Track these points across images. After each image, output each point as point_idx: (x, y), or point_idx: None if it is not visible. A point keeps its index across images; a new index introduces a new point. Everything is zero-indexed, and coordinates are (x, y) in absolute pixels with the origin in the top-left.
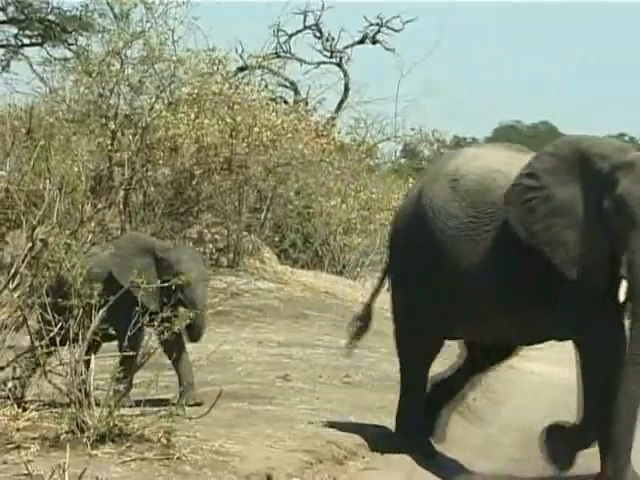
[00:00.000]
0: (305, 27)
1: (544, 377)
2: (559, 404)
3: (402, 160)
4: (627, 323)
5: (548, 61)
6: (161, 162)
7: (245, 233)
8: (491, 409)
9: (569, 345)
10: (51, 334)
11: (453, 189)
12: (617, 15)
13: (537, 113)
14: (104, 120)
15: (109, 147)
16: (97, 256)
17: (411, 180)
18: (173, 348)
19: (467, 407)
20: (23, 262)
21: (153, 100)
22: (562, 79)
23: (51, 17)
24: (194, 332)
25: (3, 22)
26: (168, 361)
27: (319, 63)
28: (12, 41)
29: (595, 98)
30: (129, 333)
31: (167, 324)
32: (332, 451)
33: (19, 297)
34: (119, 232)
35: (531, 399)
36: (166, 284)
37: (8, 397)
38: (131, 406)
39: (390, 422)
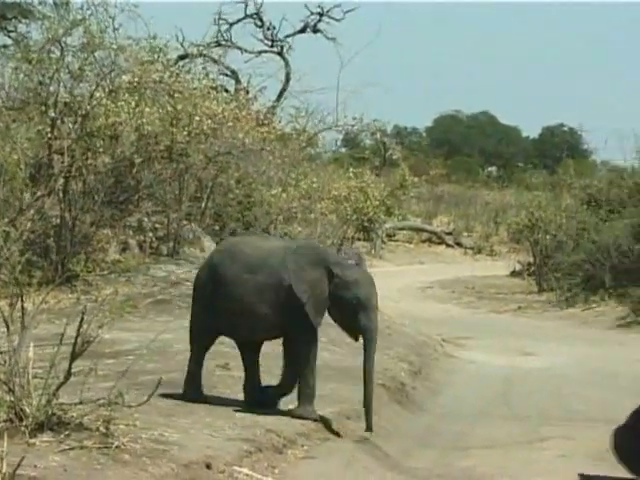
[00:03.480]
0: (246, 16)
1: (483, 366)
2: (498, 393)
3: (343, 149)
4: None
5: (487, 54)
6: (101, 150)
7: (185, 222)
8: (430, 398)
9: (508, 335)
10: None
11: None
12: (554, 11)
13: (477, 103)
14: (44, 108)
15: (49, 135)
16: (270, 245)
17: (351, 169)
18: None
19: (407, 396)
20: None
21: (93, 88)
22: (501, 70)
23: None
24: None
25: None
26: (108, 350)
27: (260, 52)
28: None
29: (534, 89)
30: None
31: None
32: (272, 440)
33: None
34: (58, 220)
35: (469, 388)
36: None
37: None
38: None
39: (330, 411)
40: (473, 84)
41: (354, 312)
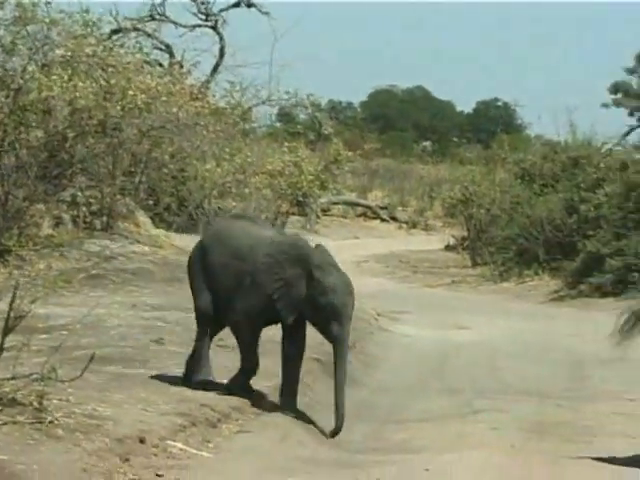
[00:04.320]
0: None
1: (417, 340)
2: (432, 366)
3: (277, 124)
4: None
5: (422, 28)
6: (34, 124)
7: (119, 196)
8: (365, 372)
9: (442, 309)
10: None
11: None
12: None
13: (412, 78)
14: None
15: None
16: (258, 233)
17: (286, 144)
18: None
19: None
20: None
21: (26, 62)
22: (435, 45)
23: None
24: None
25: None
26: (41, 324)
27: (194, 26)
28: None
29: (466, 63)
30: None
31: None
32: (206, 414)
33: None
34: None
35: (404, 361)
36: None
37: None
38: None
39: (266, 385)
40: (408, 59)
41: (327, 319)
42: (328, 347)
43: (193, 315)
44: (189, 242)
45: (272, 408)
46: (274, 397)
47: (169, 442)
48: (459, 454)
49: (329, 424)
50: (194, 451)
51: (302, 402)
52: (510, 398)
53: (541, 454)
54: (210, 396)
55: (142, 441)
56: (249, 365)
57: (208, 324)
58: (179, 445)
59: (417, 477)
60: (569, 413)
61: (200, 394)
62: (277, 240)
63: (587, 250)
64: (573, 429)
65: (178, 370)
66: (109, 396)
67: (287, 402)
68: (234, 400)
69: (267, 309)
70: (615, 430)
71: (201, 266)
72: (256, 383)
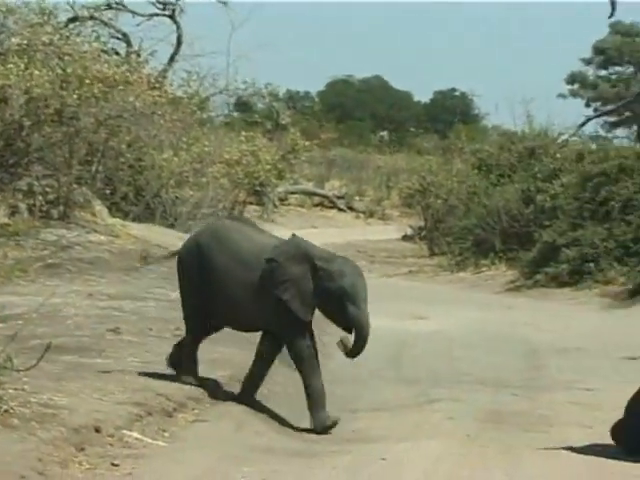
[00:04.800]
0: None
1: (374, 329)
2: (389, 356)
3: (235, 113)
4: None
5: (379, 18)
6: None
7: (76, 186)
8: (321, 362)
9: (399, 298)
10: None
11: None
12: None
13: (369, 68)
14: None
15: None
16: (262, 241)
17: (243, 133)
18: (307, 364)
19: None
20: None
21: None
22: (392, 35)
23: None
24: (355, 349)
25: None
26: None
27: (151, 15)
28: None
29: (426, 53)
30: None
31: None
32: (162, 403)
33: None
34: None
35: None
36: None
37: None
38: None
39: (219, 374)
40: (365, 48)
41: (341, 304)
42: None
43: (150, 304)
44: (146, 231)
45: (228, 398)
46: (230, 387)
47: (125, 431)
48: (415, 443)
49: (286, 414)
50: (150, 440)
51: (259, 393)
52: (466, 388)
53: (497, 443)
54: (166, 385)
55: (98, 430)
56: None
57: (199, 326)
58: (135, 434)
59: (373, 466)
60: (525, 402)
61: (156, 383)
62: (278, 245)
63: (543, 240)
64: (529, 418)
65: (134, 360)
66: (65, 385)
67: (246, 395)
68: (190, 390)
69: (283, 313)
70: (571, 420)
71: (197, 266)
72: (212, 372)
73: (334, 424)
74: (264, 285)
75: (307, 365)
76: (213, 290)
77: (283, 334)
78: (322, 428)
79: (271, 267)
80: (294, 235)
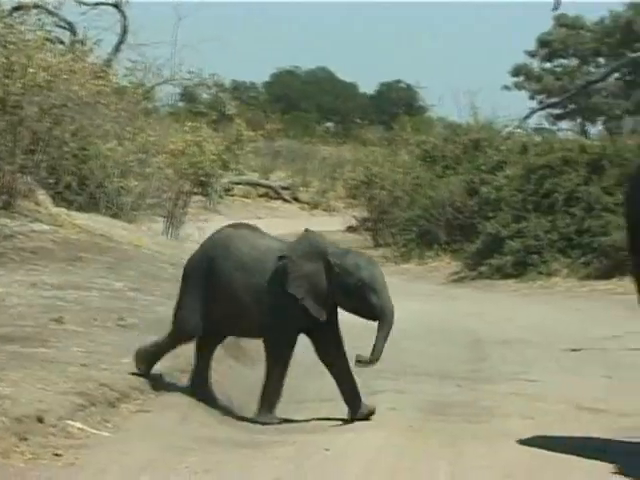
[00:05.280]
0: None
1: None
2: None
3: (180, 103)
4: None
5: (325, 9)
6: None
7: (19, 175)
8: (263, 352)
9: None
10: None
11: None
12: None
13: (314, 59)
14: None
15: None
16: (267, 243)
17: (188, 124)
18: (335, 359)
19: (242, 351)
20: None
21: None
22: (340, 26)
23: None
24: (381, 336)
25: None
26: None
27: (96, 4)
28: None
29: (372, 45)
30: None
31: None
32: (105, 394)
33: None
34: None
35: (305, 342)
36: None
37: None
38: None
39: (165, 365)
40: (311, 40)
41: (362, 296)
42: None
43: (94, 294)
44: (90, 221)
45: (172, 388)
46: (174, 377)
47: (68, 422)
48: (358, 434)
49: (231, 404)
50: (93, 431)
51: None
52: (410, 379)
53: (440, 434)
54: (110, 376)
55: (40, 420)
56: (277, 388)
57: (187, 339)
58: (78, 425)
59: (316, 457)
60: (468, 394)
61: (99, 374)
62: (289, 241)
63: (487, 232)
64: (472, 409)
65: (77, 349)
66: (7, 375)
67: (197, 387)
68: (134, 380)
69: (297, 315)
70: (513, 411)
71: (203, 277)
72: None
73: (278, 422)
74: (270, 286)
75: (279, 370)
76: (215, 298)
77: (272, 335)
78: (262, 424)
79: (284, 265)
80: (307, 230)
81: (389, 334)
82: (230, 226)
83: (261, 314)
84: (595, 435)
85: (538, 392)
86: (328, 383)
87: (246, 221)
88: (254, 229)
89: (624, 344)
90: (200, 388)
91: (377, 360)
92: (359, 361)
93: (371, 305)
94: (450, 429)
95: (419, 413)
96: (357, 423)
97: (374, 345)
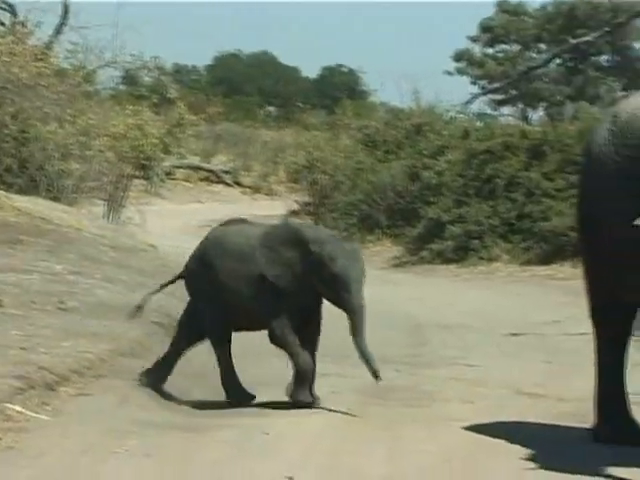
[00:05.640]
0: None
1: None
2: None
3: (121, 86)
4: None
5: None
6: None
7: None
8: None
9: None
10: None
11: None
12: None
13: (257, 43)
14: None
15: None
16: (247, 234)
17: (130, 107)
18: (306, 344)
19: None
20: None
21: None
22: (282, 10)
23: None
24: (355, 332)
25: None
26: None
27: None
28: None
29: (315, 30)
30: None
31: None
32: (44, 377)
33: None
34: None
35: None
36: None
37: None
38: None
39: (105, 348)
40: (254, 24)
41: (335, 290)
42: (168, 310)
43: (34, 277)
44: (30, 204)
45: (113, 372)
46: (113, 361)
47: (6, 405)
48: (298, 418)
49: (171, 387)
50: (32, 414)
51: (142, 365)
52: (351, 363)
53: (379, 418)
54: (49, 359)
55: None
56: (305, 367)
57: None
58: (17, 408)
59: (256, 440)
60: (408, 378)
61: (39, 357)
62: (269, 230)
63: (428, 217)
64: (412, 394)
65: (16, 333)
66: None
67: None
68: (73, 363)
69: (287, 301)
70: (453, 395)
71: (202, 276)
72: (95, 346)
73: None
74: (258, 272)
75: (292, 346)
76: (219, 295)
77: (269, 319)
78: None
79: (263, 253)
80: (287, 219)
81: (364, 330)
82: (223, 224)
83: (261, 303)
84: (534, 420)
85: (478, 377)
86: (270, 367)
87: (187, 205)
88: (248, 222)
89: (564, 329)
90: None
91: (375, 365)
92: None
93: (341, 298)
94: (390, 413)
95: (359, 397)
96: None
97: (360, 353)
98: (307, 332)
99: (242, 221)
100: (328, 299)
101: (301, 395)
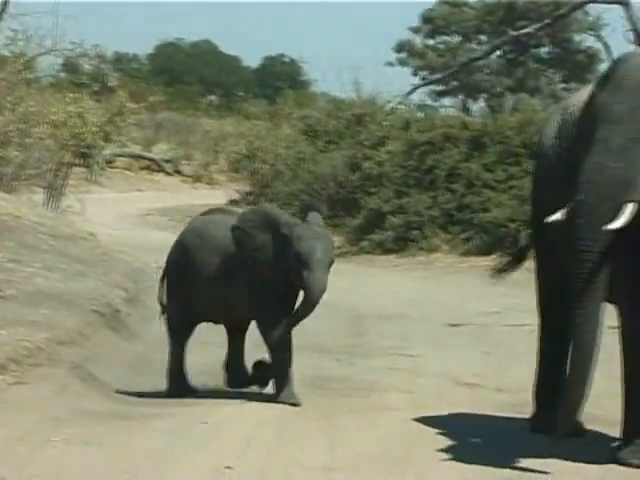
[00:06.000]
0: None
1: None
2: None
3: (62, 74)
4: None
5: None
6: None
7: None
8: (145, 325)
9: None
10: None
11: None
12: None
13: (198, 31)
14: None
15: None
16: (224, 223)
17: (70, 95)
18: (275, 335)
19: (121, 323)
20: None
21: None
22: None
23: None
24: (300, 312)
25: None
26: None
27: None
28: None
29: (256, 19)
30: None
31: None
32: None
33: None
34: None
35: None
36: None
37: None
38: None
39: (43, 337)
40: (195, 13)
41: (298, 269)
42: (108, 299)
43: None
44: None
45: (50, 360)
46: (53, 349)
47: None
48: (237, 407)
49: (109, 375)
50: None
51: (80, 354)
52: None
53: (318, 408)
54: None
55: None
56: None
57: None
58: None
59: (194, 430)
60: (347, 368)
61: None
62: (243, 213)
63: (369, 207)
64: (351, 384)
65: None
66: None
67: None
68: (10, 351)
69: (268, 286)
70: (392, 385)
71: (182, 267)
72: (33, 335)
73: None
74: (237, 260)
75: (279, 341)
76: (199, 287)
77: (257, 311)
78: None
79: (236, 235)
80: (263, 204)
81: (308, 314)
82: (203, 213)
83: (242, 295)
84: (472, 410)
85: (417, 367)
86: (208, 357)
87: (128, 194)
88: (227, 211)
89: (503, 320)
90: (235, 380)
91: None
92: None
93: (301, 278)
94: (329, 403)
95: (299, 387)
96: (236, 396)
97: (298, 309)
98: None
99: (221, 211)
100: (294, 283)
101: (286, 396)
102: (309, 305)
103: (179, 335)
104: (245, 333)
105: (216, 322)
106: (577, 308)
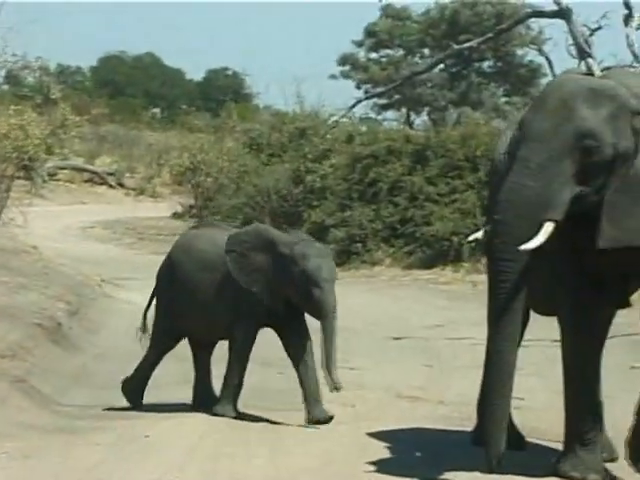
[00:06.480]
0: None
1: (140, 307)
2: None
3: (4, 86)
4: None
5: None
6: None
7: None
8: (86, 338)
9: None
10: None
11: None
12: None
13: (142, 44)
14: None
15: None
16: (216, 240)
17: (12, 107)
18: (299, 354)
19: (63, 336)
20: None
21: None
22: (170, 12)
23: None
24: (327, 337)
25: None
26: None
27: None
28: None
29: (200, 32)
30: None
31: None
32: None
33: None
34: None
35: (126, 328)
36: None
37: None
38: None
39: None
40: (138, 24)
41: (306, 289)
42: (50, 312)
43: None
44: None
45: None
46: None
47: None
48: (179, 420)
49: (51, 388)
50: None
51: (22, 367)
52: None
53: (260, 421)
54: None
55: None
56: (235, 382)
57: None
58: None
59: (137, 443)
60: (290, 381)
61: None
62: (235, 234)
63: (312, 220)
64: (293, 397)
65: None
66: None
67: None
68: None
69: (258, 310)
70: (334, 398)
71: (170, 281)
72: None
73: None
74: (226, 279)
75: (239, 365)
76: (184, 302)
77: (234, 328)
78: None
79: (232, 258)
80: (256, 224)
81: (335, 337)
82: (193, 227)
83: (226, 311)
84: (414, 423)
85: (359, 380)
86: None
87: (71, 207)
88: (218, 226)
89: (445, 333)
90: (202, 398)
91: (335, 377)
92: (336, 388)
93: (312, 297)
94: (271, 416)
95: (241, 400)
96: (179, 409)
97: (326, 361)
98: (294, 345)
99: (212, 225)
100: (298, 301)
101: (224, 409)
102: (331, 330)
103: (161, 348)
104: (212, 351)
105: (198, 338)
106: (495, 331)
